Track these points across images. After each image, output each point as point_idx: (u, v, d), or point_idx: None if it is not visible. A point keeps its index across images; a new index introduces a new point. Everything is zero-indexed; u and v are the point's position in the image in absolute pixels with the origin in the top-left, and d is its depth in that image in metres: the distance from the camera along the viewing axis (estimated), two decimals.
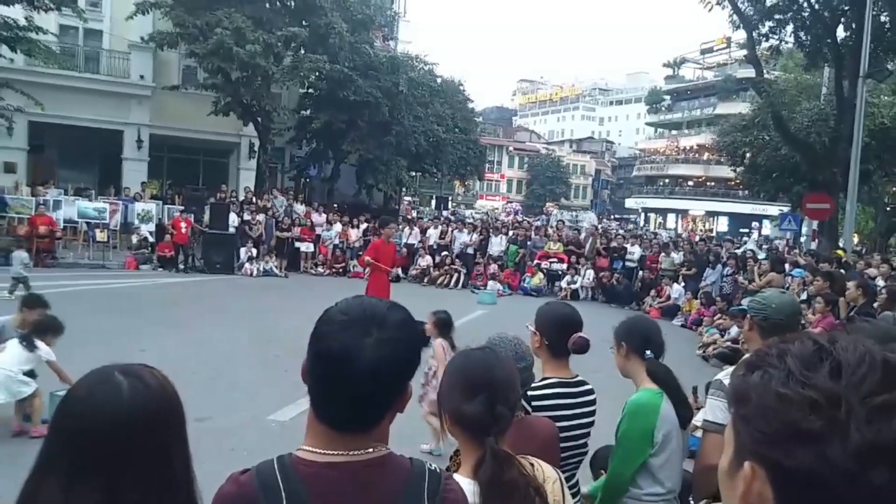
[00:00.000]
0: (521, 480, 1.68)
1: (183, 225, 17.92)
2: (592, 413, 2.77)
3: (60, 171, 24.70)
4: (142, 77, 23.76)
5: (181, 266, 17.68)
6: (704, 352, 11.72)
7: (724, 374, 2.73)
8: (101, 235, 18.24)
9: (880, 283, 10.39)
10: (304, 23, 21.76)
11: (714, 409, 2.59)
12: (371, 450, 1.28)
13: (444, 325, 5.68)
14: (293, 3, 22.80)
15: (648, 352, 2.71)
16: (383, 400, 1.28)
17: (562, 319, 2.76)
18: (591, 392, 2.79)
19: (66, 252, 18.01)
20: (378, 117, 24.63)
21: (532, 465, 1.80)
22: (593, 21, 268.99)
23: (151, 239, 18.65)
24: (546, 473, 1.85)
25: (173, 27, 20.50)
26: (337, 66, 22.14)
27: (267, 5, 22.04)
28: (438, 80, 30.85)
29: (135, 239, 18.63)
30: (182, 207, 19.67)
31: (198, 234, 18.59)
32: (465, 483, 1.63)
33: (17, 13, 18.22)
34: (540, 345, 2.75)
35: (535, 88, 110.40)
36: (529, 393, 2.56)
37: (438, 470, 1.37)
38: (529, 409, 2.52)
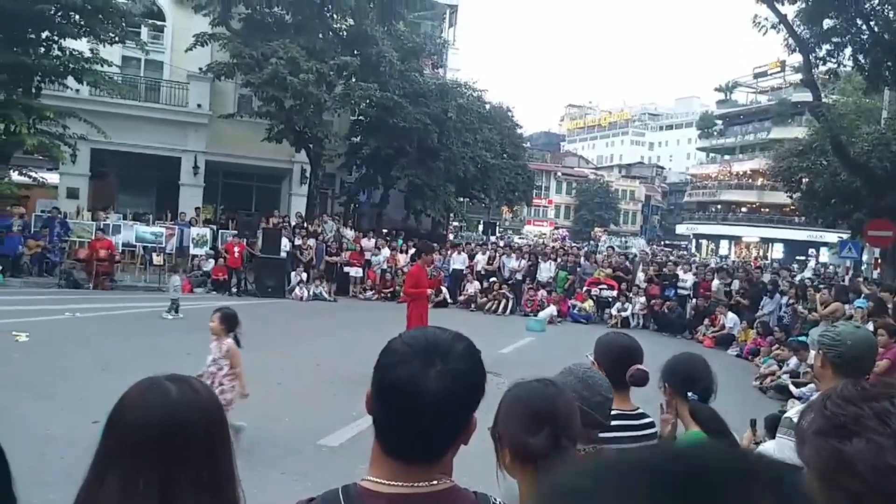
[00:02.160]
0: None
1: (236, 249, 18.30)
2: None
3: (120, 196, 25.63)
4: (199, 106, 24.53)
5: (234, 289, 18.01)
6: (762, 383, 11.30)
7: (795, 412, 2.60)
8: (157, 259, 18.76)
9: None
10: (355, 52, 22.23)
11: (784, 449, 2.48)
12: (436, 482, 1.26)
13: (230, 320, 5.71)
14: (345, 34, 23.34)
15: (691, 393, 2.59)
16: (448, 432, 1.27)
17: (620, 350, 2.71)
18: (652, 425, 2.71)
19: (124, 275, 18.56)
20: (427, 143, 24.86)
21: None
22: (642, 46, 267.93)
23: (208, 264, 19.07)
24: None
25: (230, 58, 21.20)
26: (387, 93, 22.49)
27: (320, 35, 22.61)
28: (487, 107, 31.05)
29: (202, 267, 18.90)
30: (235, 232, 20.10)
31: (250, 259, 18.96)
32: None
33: (82, 46, 19.09)
34: None
35: (584, 114, 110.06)
36: None
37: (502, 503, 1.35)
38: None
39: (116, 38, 19.64)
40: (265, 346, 11.18)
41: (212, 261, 18.69)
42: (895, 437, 0.64)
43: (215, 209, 27.67)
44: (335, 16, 23.19)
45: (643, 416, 2.71)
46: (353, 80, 21.89)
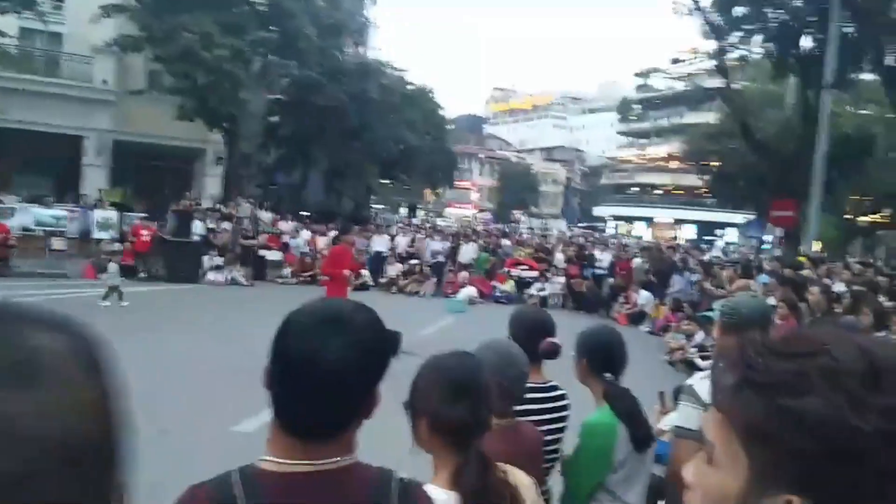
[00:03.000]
0: (504, 487, 1.63)
1: (144, 233, 17.47)
2: (565, 419, 2.71)
3: (18, 177, 24.00)
4: (105, 82, 23.25)
5: (142, 275, 17.22)
6: (671, 357, 11.72)
7: (696, 380, 2.64)
8: (58, 244, 17.72)
9: (840, 288, 10.48)
10: (273, 28, 21.52)
11: (687, 416, 2.51)
12: (337, 458, 1.22)
13: None
14: (263, 8, 22.54)
15: (608, 375, 2.62)
16: (349, 405, 1.23)
17: (533, 323, 2.72)
18: (564, 397, 2.73)
19: (23, 261, 17.43)
20: (347, 124, 24.45)
21: (505, 471, 1.73)
22: (567, 30, 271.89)
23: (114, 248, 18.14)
24: (519, 479, 1.79)
25: (139, 31, 20.10)
26: (306, 71, 21.92)
27: (236, 10, 21.75)
28: (409, 87, 30.76)
29: (104, 247, 17.99)
30: (143, 215, 19.20)
31: (160, 243, 18.15)
32: (440, 493, 1.55)
33: None
34: None
35: (508, 97, 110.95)
36: None
37: (408, 479, 1.33)
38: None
39: (11, 8, 18.28)
40: (174, 332, 10.75)
41: (118, 245, 17.78)
42: (849, 395, 0.64)
43: (124, 191, 26.40)
44: None
45: (555, 388, 2.72)
46: (271, 56, 21.23)
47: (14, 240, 17.14)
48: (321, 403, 1.19)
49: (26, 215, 18.09)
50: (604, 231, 53.05)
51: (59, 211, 18.66)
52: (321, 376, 1.17)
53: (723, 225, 52.36)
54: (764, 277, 13.38)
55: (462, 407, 1.60)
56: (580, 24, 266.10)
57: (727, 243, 43.89)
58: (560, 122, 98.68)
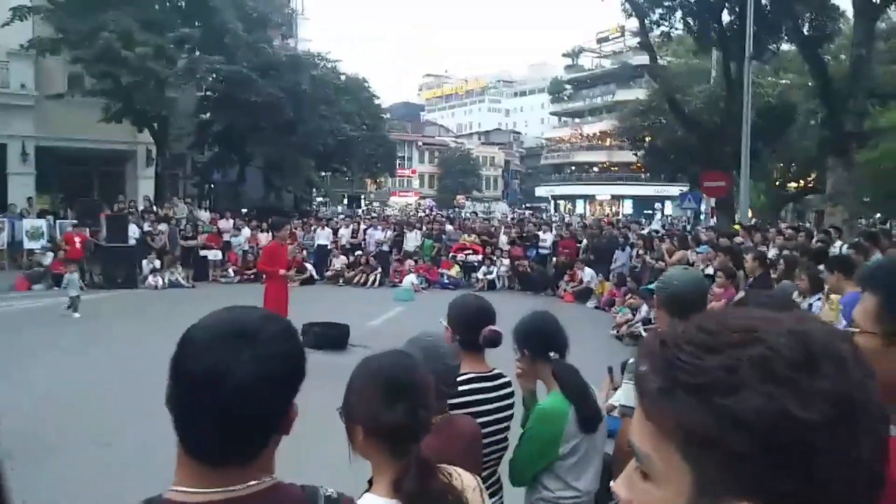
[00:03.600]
0: (448, 491, 1.58)
1: (77, 240, 16.86)
2: (511, 406, 2.71)
3: None
4: (23, 86, 22.20)
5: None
6: (618, 332, 12.03)
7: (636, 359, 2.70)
8: None
9: (774, 254, 10.93)
10: (196, 23, 20.91)
11: (632, 394, 2.58)
12: (254, 482, 1.12)
13: None
14: (184, 4, 21.86)
15: (553, 353, 2.61)
16: (261, 425, 1.13)
17: (472, 312, 2.68)
18: (509, 384, 2.72)
19: None
20: (281, 118, 23.99)
21: (450, 474, 1.69)
22: (493, 13, 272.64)
23: (46, 258, 17.46)
24: (465, 482, 1.73)
25: (55, 32, 19.26)
26: (234, 66, 21.40)
27: (157, 7, 21.09)
28: (342, 78, 30.39)
29: (41, 262, 17.28)
30: (75, 221, 18.51)
31: (94, 249, 17.54)
32: (380, 502, 1.52)
33: None
34: (452, 340, 2.66)
35: (441, 83, 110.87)
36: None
37: (336, 494, 1.27)
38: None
39: None
40: (114, 341, 10.42)
41: (50, 254, 17.12)
42: (787, 384, 0.60)
43: (53, 199, 25.34)
44: None
45: (500, 376, 2.71)
46: (197, 53, 20.65)
47: None
48: (229, 426, 1.08)
49: None
50: (547, 211, 53.80)
51: None
52: (227, 396, 1.07)
53: (660, 199, 53.72)
54: (703, 248, 13.86)
55: (398, 410, 1.55)
56: (507, 8, 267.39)
57: (664, 216, 45.14)
58: (495, 106, 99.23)
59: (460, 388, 2.54)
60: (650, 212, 50.75)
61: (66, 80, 23.05)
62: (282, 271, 9.12)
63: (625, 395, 2.62)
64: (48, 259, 17.06)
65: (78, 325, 11.69)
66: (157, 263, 17.32)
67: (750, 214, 21.31)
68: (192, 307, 14.04)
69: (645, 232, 19.24)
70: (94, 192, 25.38)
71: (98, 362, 8.90)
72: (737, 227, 15.83)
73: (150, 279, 16.83)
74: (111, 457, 5.71)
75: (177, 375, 1.12)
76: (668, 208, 51.04)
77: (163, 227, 18.67)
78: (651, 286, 3.01)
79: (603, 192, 63.20)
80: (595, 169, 65.82)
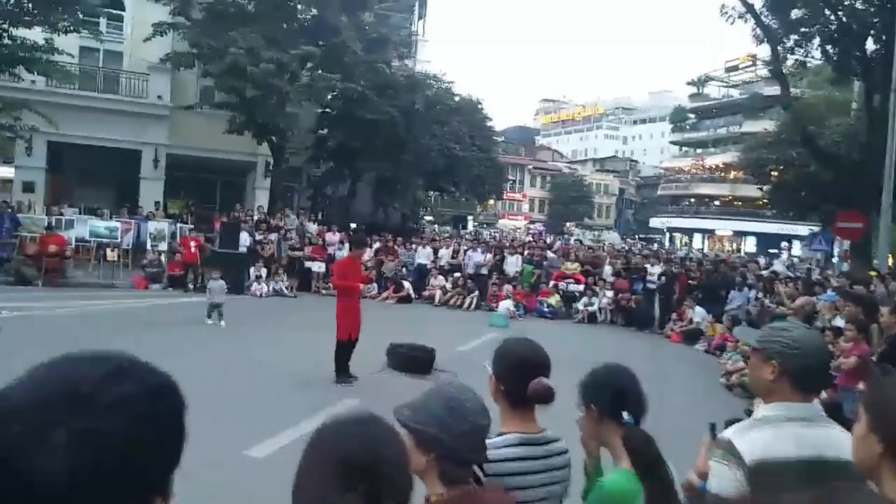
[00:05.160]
0: None
1: (192, 244, 17.68)
2: (566, 478, 2.25)
3: (79, 190, 24.82)
4: (159, 97, 23.82)
5: (190, 286, 17.40)
6: (728, 380, 11.02)
7: (734, 433, 2.18)
8: (111, 255, 18.07)
9: None
10: (319, 42, 21.66)
11: (721, 479, 2.05)
12: None
13: None
14: (308, 23, 22.74)
15: (626, 414, 2.11)
16: None
17: (520, 361, 2.24)
18: (563, 451, 2.26)
19: (77, 272, 17.85)
20: (394, 136, 24.37)
21: None
22: (615, 39, 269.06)
23: (163, 258, 18.44)
24: None
25: (189, 47, 20.54)
26: (352, 84, 21.94)
27: (284, 25, 22.00)
28: (456, 99, 30.58)
29: (149, 257, 18.38)
30: (192, 227, 19.48)
31: (210, 254, 18.33)
32: None
33: (37, 35, 18.31)
34: (497, 391, 2.25)
35: (558, 108, 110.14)
36: None
37: None
38: (481, 475, 2.00)
39: (71, 28, 18.85)
40: (206, 345, 10.66)
41: (164, 256, 18.11)
42: None
43: (183, 204, 26.96)
44: (298, 5, 22.59)
45: (551, 440, 2.26)
46: (318, 70, 21.34)
47: (70, 251, 17.60)
48: None
49: (82, 227, 18.55)
50: (661, 243, 51.82)
51: (113, 223, 19.07)
52: (35, 493, 0.72)
53: (787, 237, 50.36)
54: (830, 295, 12.54)
55: (355, 496, 1.20)
56: (629, 33, 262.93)
57: (790, 256, 42.16)
58: (612, 133, 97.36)
59: (498, 453, 2.12)
60: (775, 251, 47.61)
61: (198, 93, 24.54)
62: (358, 285, 9.04)
63: (717, 479, 2.09)
64: (166, 260, 18.01)
65: (177, 327, 12.10)
66: (264, 272, 17.85)
67: (890, 261, 19.33)
68: (288, 315, 14.37)
69: (765, 272, 17.81)
70: (216, 200, 26.79)
71: (178, 364, 9.00)
72: (873, 273, 14.28)
73: (255, 286, 17.33)
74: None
75: None
76: (796, 248, 47.69)
77: (273, 236, 19.27)
78: (755, 342, 2.43)
79: (724, 226, 60.15)
80: (716, 202, 62.82)
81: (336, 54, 21.87)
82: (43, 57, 18.04)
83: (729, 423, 4.15)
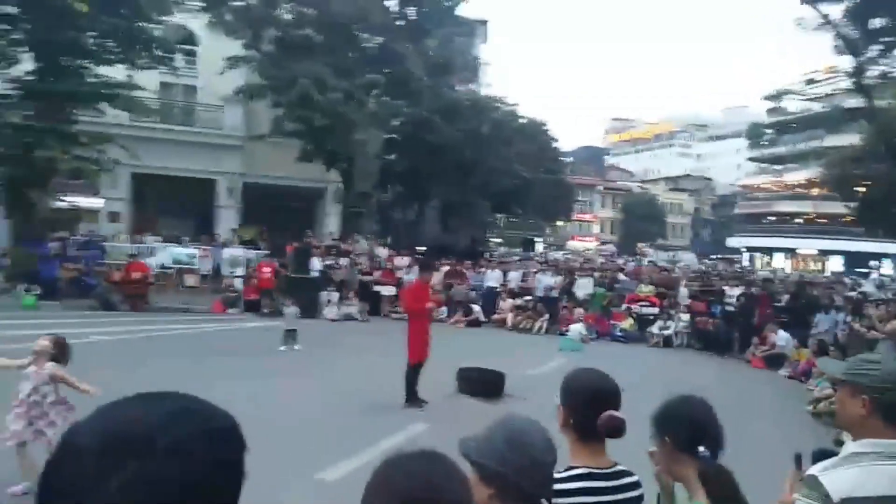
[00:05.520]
0: None
1: (266, 269, 18.13)
2: None
3: (161, 219, 25.95)
4: (233, 128, 24.73)
5: (265, 310, 17.81)
6: (814, 408, 10.37)
7: (821, 470, 2.01)
8: (190, 280, 18.75)
9: None
10: (384, 70, 22.09)
11: None
12: None
13: (63, 348, 5.22)
14: (373, 52, 23.24)
15: (702, 448, 2.01)
16: None
17: (590, 393, 2.13)
18: (635, 486, 2.13)
19: (161, 297, 18.58)
20: (460, 159, 24.51)
21: None
22: (683, 56, 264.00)
23: (239, 283, 18.99)
24: None
25: (260, 79, 21.29)
26: (417, 109, 22.24)
27: (350, 54, 22.56)
28: (522, 121, 30.53)
29: (226, 282, 18.94)
30: (267, 252, 20.01)
31: (284, 279, 18.76)
32: None
33: (118, 72, 19.36)
34: (566, 424, 2.13)
35: (627, 127, 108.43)
36: None
37: None
38: None
39: (150, 64, 19.87)
40: (279, 368, 10.84)
41: (240, 281, 18.64)
42: None
43: (255, 230, 27.78)
44: (363, 35, 23.15)
45: (623, 474, 2.13)
46: (383, 97, 21.74)
47: (152, 277, 18.37)
48: None
49: (164, 254, 19.35)
50: (740, 263, 49.95)
51: (192, 250, 19.82)
52: None
53: (876, 255, 47.65)
54: None
55: None
56: (698, 49, 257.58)
57: (881, 276, 39.83)
58: (685, 150, 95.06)
59: (565, 487, 2.00)
60: (865, 270, 45.10)
61: (270, 123, 25.37)
62: (429, 304, 9.00)
63: None
64: (242, 285, 18.55)
65: (253, 351, 12.35)
66: (335, 296, 18.10)
67: None
68: (358, 339, 14.49)
69: (853, 293, 16.83)
70: (291, 226, 27.49)
71: (250, 387, 9.15)
72: None
73: (326, 311, 17.58)
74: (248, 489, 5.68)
75: (38, 495, 0.76)
76: (887, 267, 45.04)
77: (343, 261, 19.56)
78: (845, 374, 2.24)
79: (807, 245, 57.47)
80: (798, 220, 60.16)
81: (401, 81, 22.26)
82: (121, 93, 18.98)
83: (816, 454, 3.85)
